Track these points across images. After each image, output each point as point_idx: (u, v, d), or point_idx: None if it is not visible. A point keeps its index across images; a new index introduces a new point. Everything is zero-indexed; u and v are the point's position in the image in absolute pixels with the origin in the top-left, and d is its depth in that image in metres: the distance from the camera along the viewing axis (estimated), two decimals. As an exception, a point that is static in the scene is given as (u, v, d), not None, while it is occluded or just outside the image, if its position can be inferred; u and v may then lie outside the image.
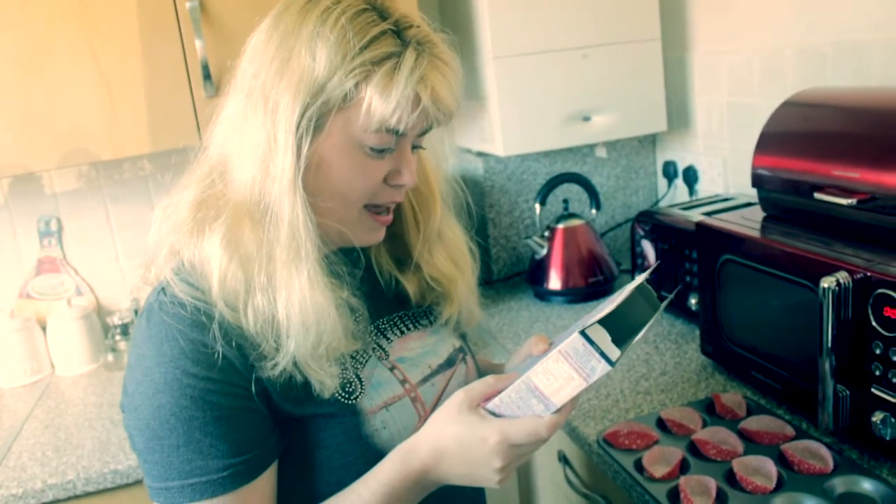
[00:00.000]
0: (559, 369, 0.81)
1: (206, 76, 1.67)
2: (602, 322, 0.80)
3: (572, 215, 2.02)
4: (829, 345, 1.12)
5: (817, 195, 1.24)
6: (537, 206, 2.00)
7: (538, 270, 2.01)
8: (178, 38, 1.68)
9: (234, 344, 0.84)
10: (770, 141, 1.38)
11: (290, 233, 0.84)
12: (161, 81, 1.69)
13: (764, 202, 1.42)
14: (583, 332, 0.79)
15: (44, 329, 2.02)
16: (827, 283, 1.10)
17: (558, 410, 0.83)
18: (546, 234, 2.01)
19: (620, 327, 0.81)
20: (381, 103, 0.82)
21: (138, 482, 1.48)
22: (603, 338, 0.79)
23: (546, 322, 1.89)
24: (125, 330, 2.00)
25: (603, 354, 0.78)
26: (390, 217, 0.95)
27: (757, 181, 1.40)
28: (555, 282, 1.98)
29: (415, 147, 0.92)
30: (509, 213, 2.16)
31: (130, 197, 2.08)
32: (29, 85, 1.62)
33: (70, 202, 2.05)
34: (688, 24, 1.99)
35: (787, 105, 1.39)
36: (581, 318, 0.92)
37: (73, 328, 1.99)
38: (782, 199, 1.36)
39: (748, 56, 1.81)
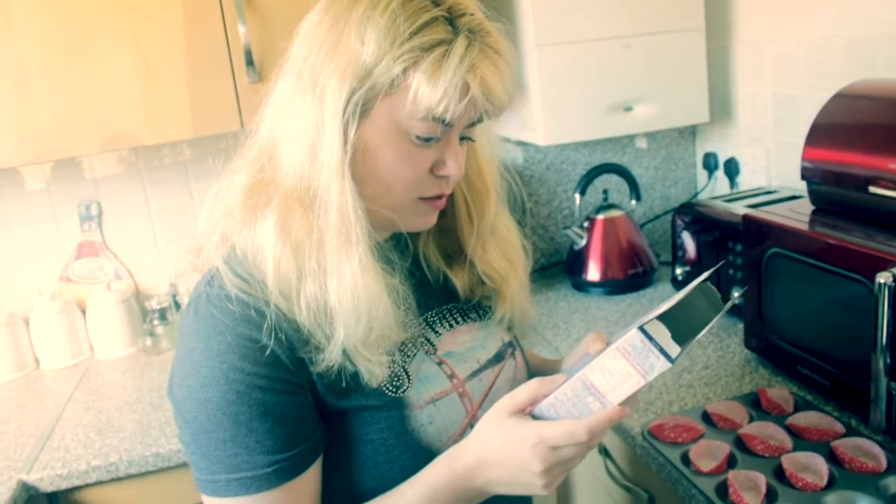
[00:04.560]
0: (616, 366, 0.79)
1: (249, 62, 1.67)
2: (662, 320, 0.78)
3: (612, 206, 2.00)
4: (884, 342, 1.11)
5: (872, 189, 1.22)
6: (577, 196, 1.99)
7: (577, 261, 1.99)
8: (221, 24, 1.67)
9: (283, 338, 0.84)
10: (822, 133, 1.35)
11: (340, 218, 0.83)
12: (203, 67, 1.69)
13: (813, 195, 1.40)
14: (642, 328, 0.77)
15: (83, 312, 2.04)
16: (883, 278, 1.08)
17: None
18: (585, 224, 2.00)
19: (680, 326, 0.79)
20: (428, 90, 0.80)
21: (179, 466, 1.50)
22: (662, 334, 0.77)
23: (585, 313, 1.88)
24: (163, 315, 2.02)
25: (662, 351, 0.76)
26: (443, 202, 0.92)
27: (807, 174, 1.38)
28: (594, 273, 1.96)
29: (464, 138, 0.91)
30: (548, 202, 2.14)
31: (169, 182, 2.09)
32: (72, 70, 1.63)
33: (110, 187, 2.06)
34: (732, 14, 1.96)
35: (840, 97, 1.36)
36: (641, 318, 0.91)
37: (113, 312, 2.01)
38: (834, 192, 1.33)
39: (794, 47, 1.77)
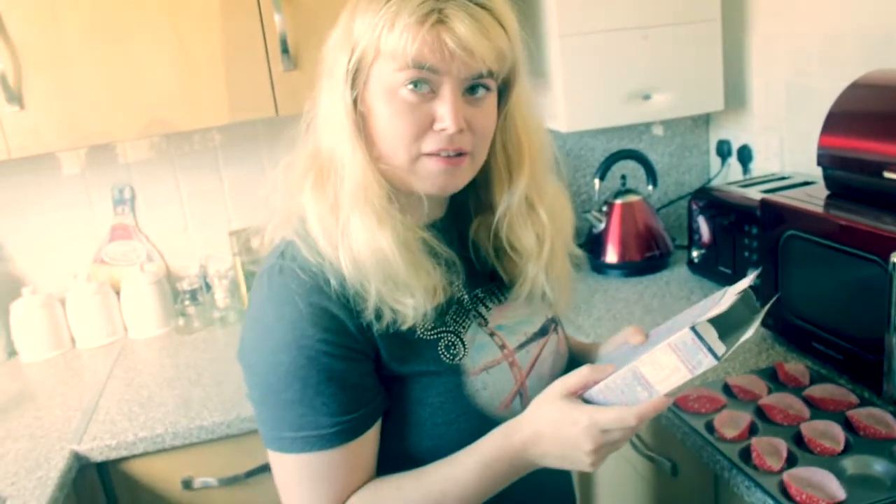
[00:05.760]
0: (667, 360, 0.86)
1: (284, 50, 1.73)
2: (710, 322, 0.85)
3: (629, 191, 2.08)
4: (897, 318, 1.18)
5: (886, 174, 1.29)
6: (597, 181, 2.06)
7: (595, 244, 2.07)
8: (258, 13, 1.73)
9: (349, 305, 0.91)
10: (838, 121, 1.42)
11: (354, 178, 0.92)
12: (240, 55, 1.75)
13: (829, 181, 1.46)
14: (693, 328, 0.84)
15: (117, 293, 2.11)
16: (897, 258, 1.16)
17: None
18: (604, 208, 2.07)
19: (723, 328, 0.86)
20: (389, 35, 0.88)
21: (222, 438, 1.57)
22: (710, 334, 0.84)
23: (604, 294, 1.96)
24: (194, 296, 2.08)
25: (710, 349, 0.84)
26: (459, 161, 0.94)
27: (822, 160, 1.45)
28: (611, 255, 2.04)
29: (473, 95, 0.93)
30: (567, 187, 2.20)
31: (200, 168, 2.15)
32: (113, 58, 1.70)
33: (143, 172, 2.13)
34: (747, 5, 2.02)
35: (856, 86, 1.43)
36: (682, 314, 0.98)
37: (146, 293, 2.08)
38: (849, 177, 1.40)
39: (808, 38, 1.84)
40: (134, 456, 1.55)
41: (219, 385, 1.71)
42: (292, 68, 1.75)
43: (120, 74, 1.71)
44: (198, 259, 2.18)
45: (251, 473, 1.60)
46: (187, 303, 2.09)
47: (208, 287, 2.13)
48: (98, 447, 1.52)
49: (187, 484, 1.59)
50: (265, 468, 1.57)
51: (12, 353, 2.03)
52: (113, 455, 1.53)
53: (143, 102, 1.74)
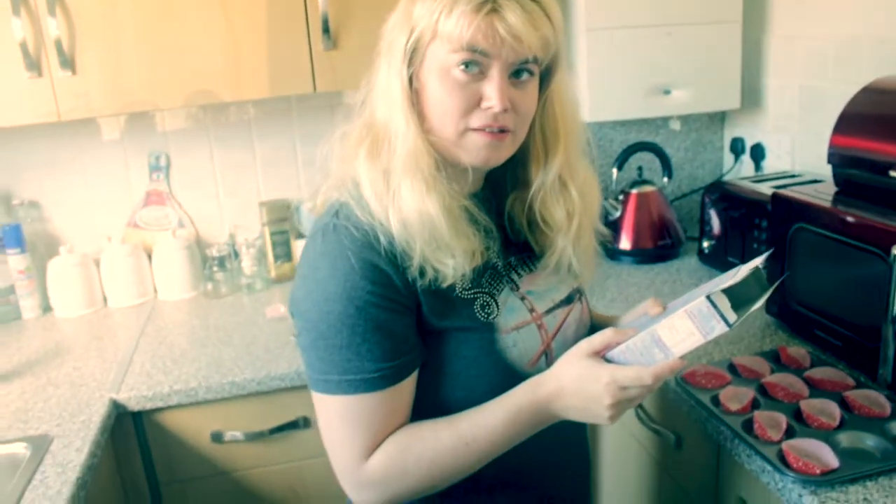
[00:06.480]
0: (682, 325, 0.95)
1: (325, 30, 1.82)
2: (724, 293, 0.94)
3: (645, 181, 2.16)
4: (895, 310, 1.27)
5: (892, 173, 1.38)
6: (614, 170, 2.15)
7: (611, 231, 2.15)
8: (301, -9, 1.82)
9: (396, 261, 1.00)
10: (849, 121, 1.51)
11: (407, 147, 1.01)
12: (282, 32, 1.83)
13: (837, 178, 1.55)
14: (708, 297, 0.93)
15: (149, 256, 2.20)
16: (898, 250, 1.24)
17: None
18: (620, 197, 2.16)
19: (735, 299, 0.95)
20: (446, 21, 0.97)
21: (252, 394, 1.66)
22: (724, 304, 0.93)
23: (617, 279, 2.05)
24: (222, 262, 2.17)
25: (723, 317, 0.92)
26: (502, 136, 1.02)
27: (833, 158, 1.53)
28: (625, 242, 2.13)
29: (519, 78, 1.02)
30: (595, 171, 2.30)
31: (233, 139, 2.24)
32: (162, 29, 1.78)
33: (179, 140, 2.22)
34: (767, 9, 2.11)
35: (868, 90, 1.51)
36: (699, 287, 1.07)
37: (177, 257, 2.17)
38: (857, 175, 1.49)
39: (824, 43, 1.92)
40: (168, 407, 1.64)
41: (248, 346, 1.80)
42: (332, 48, 1.83)
43: (168, 45, 1.79)
44: (227, 227, 2.27)
45: (274, 430, 1.69)
46: (215, 269, 2.17)
47: (236, 255, 2.22)
48: (135, 397, 1.61)
49: (216, 437, 1.68)
50: (287, 427, 1.69)
51: (47, 308, 2.13)
52: (148, 405, 1.62)
53: (187, 73, 1.82)
